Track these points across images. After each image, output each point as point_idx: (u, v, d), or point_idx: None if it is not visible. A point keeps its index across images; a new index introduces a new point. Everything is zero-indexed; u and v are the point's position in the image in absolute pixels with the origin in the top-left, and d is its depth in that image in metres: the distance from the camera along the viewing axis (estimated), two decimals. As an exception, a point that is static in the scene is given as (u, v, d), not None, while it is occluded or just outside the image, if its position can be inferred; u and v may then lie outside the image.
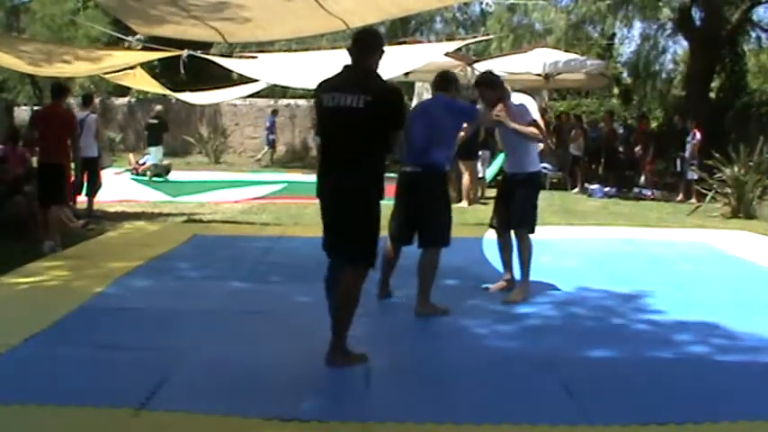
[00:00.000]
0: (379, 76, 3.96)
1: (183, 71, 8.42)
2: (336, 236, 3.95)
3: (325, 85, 3.95)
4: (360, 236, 3.88)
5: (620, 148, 14.67)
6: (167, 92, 12.57)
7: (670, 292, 5.57)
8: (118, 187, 12.24)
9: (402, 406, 3.44)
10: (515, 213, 5.43)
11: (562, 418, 3.31)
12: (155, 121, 15.60)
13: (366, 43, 4.00)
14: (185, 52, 8.27)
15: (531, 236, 5.44)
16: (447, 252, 5.41)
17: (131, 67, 10.36)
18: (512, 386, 3.75)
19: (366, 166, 3.84)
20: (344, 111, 3.79)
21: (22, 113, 23.38)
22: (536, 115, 5.46)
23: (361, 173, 3.83)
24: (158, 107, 17.21)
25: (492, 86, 5.39)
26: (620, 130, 15.45)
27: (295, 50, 11.99)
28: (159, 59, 9.61)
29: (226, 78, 14.59)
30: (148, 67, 10.50)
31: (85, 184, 9.33)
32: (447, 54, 13.72)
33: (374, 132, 3.80)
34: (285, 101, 22.43)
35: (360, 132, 3.79)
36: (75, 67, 9.29)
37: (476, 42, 17.66)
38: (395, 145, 3.97)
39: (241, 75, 10.40)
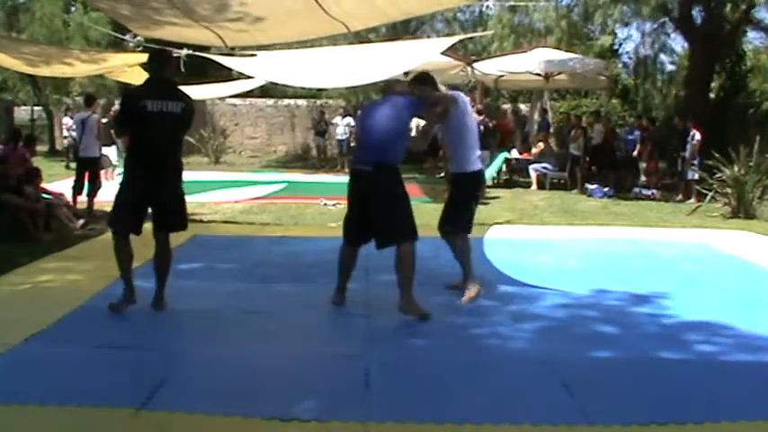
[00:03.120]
0: (176, 83, 5.00)
1: (182, 69, 8.42)
2: (172, 213, 4.95)
3: (144, 93, 4.82)
4: (183, 210, 5.03)
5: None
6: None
7: (670, 292, 5.57)
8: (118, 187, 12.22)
9: (402, 406, 3.44)
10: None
11: (562, 417, 3.31)
12: (104, 120, 14.77)
13: (166, 58, 5.05)
14: (185, 51, 8.28)
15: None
16: (448, 252, 5.42)
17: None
18: (512, 386, 3.75)
19: (180, 162, 4.94)
20: (168, 115, 4.72)
21: (22, 113, 23.41)
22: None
23: (179, 168, 4.94)
24: (102, 101, 16.61)
25: (424, 83, 5.24)
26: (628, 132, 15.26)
27: (296, 47, 11.95)
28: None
29: (225, 77, 14.56)
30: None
31: (86, 184, 9.34)
32: (447, 54, 13.73)
33: (184, 133, 4.96)
34: (285, 101, 22.43)
35: (179, 133, 4.90)
36: (74, 69, 9.29)
37: (473, 38, 17.66)
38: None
39: (240, 73, 10.38)
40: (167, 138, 4.81)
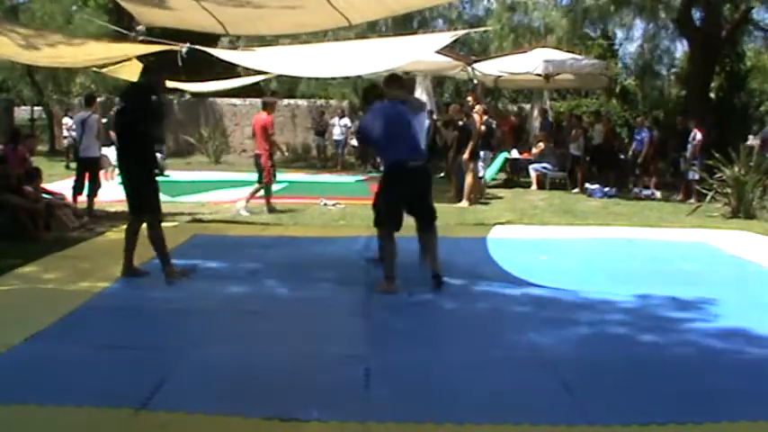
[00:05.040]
0: (141, 85, 5.96)
1: (180, 63, 8.40)
2: (133, 197, 5.80)
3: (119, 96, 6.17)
4: (142, 195, 5.75)
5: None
6: (172, 84, 12.47)
7: (670, 292, 5.57)
8: (118, 187, 12.23)
9: (402, 406, 3.44)
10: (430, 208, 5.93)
11: (562, 418, 3.31)
12: (103, 120, 14.76)
13: (149, 67, 6.22)
14: (186, 46, 8.26)
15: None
16: (452, 252, 5.47)
17: (128, 59, 10.32)
18: (512, 386, 3.75)
19: (141, 153, 5.70)
20: (117, 113, 6.11)
21: (22, 113, 23.42)
22: None
23: (140, 158, 5.70)
24: (100, 99, 16.60)
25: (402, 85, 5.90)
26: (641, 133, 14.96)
27: (296, 43, 11.97)
28: (156, 54, 9.54)
29: (231, 74, 14.58)
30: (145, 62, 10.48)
31: (87, 184, 9.33)
32: (447, 54, 13.74)
33: (132, 126, 5.65)
34: (285, 101, 22.42)
35: (127, 127, 5.68)
36: (73, 57, 9.25)
37: (474, 39, 17.64)
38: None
39: (244, 69, 10.42)
40: (120, 132, 5.82)
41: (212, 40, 15.76)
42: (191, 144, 20.85)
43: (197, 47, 8.25)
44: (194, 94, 19.91)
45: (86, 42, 9.09)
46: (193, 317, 4.94)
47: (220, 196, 11.90)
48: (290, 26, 8.03)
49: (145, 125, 5.67)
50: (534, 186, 14.08)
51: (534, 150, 14.84)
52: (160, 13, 7.58)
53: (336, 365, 3.98)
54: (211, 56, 8.30)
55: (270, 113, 9.99)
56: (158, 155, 15.45)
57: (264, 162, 9.80)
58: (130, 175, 5.73)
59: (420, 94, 18.42)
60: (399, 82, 5.93)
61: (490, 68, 14.82)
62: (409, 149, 5.52)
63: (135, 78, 14.63)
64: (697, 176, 12.09)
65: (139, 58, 9.35)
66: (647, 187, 13.50)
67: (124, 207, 10.03)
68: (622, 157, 14.75)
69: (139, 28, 10.08)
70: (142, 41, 8.26)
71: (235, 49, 9.00)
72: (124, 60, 10.34)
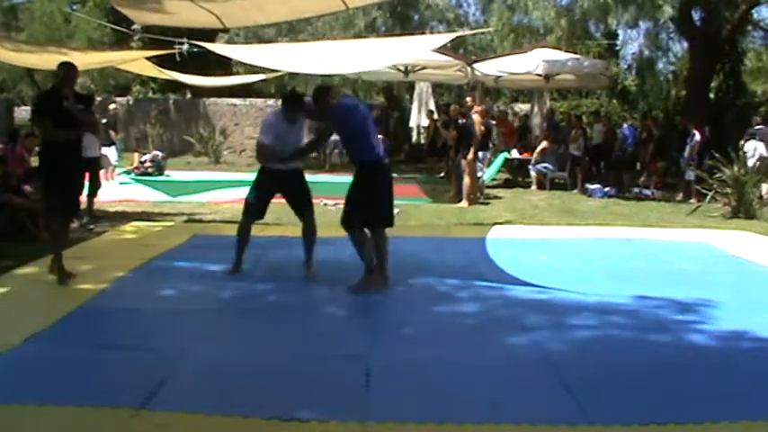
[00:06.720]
0: (49, 90, 5.89)
1: (178, 58, 8.40)
2: None
3: None
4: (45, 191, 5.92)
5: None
6: (172, 75, 12.44)
7: (670, 292, 5.57)
8: (118, 187, 12.24)
9: (402, 406, 3.44)
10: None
11: (562, 417, 3.31)
12: (103, 120, 14.79)
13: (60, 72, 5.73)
14: (185, 45, 8.27)
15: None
16: (451, 252, 5.46)
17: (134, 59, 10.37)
18: (512, 386, 3.75)
19: (42, 145, 5.79)
20: None
21: (23, 113, 23.39)
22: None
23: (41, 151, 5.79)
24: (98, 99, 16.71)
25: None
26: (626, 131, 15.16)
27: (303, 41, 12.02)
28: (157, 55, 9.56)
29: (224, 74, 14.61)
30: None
31: (87, 184, 9.31)
32: (446, 53, 13.74)
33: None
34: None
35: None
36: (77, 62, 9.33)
37: (475, 40, 17.63)
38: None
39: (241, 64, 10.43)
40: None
41: (210, 37, 15.80)
42: (190, 144, 20.84)
43: (196, 42, 8.25)
44: (194, 93, 19.93)
45: (88, 53, 9.15)
46: (193, 317, 4.94)
47: (220, 196, 11.88)
48: (286, 13, 8.00)
49: (43, 126, 5.68)
50: (534, 186, 14.06)
51: (538, 150, 14.68)
52: (156, 14, 7.59)
53: (336, 365, 3.98)
54: (210, 52, 8.30)
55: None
56: (159, 154, 15.60)
57: None
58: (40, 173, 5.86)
59: (419, 94, 18.46)
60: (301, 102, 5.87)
61: (490, 68, 14.80)
62: (379, 146, 5.63)
63: (139, 71, 14.68)
64: (693, 176, 12.09)
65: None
66: (648, 187, 13.49)
67: (125, 207, 10.18)
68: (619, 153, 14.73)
69: (135, 27, 10.09)
70: (142, 44, 8.30)
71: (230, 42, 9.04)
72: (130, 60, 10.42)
